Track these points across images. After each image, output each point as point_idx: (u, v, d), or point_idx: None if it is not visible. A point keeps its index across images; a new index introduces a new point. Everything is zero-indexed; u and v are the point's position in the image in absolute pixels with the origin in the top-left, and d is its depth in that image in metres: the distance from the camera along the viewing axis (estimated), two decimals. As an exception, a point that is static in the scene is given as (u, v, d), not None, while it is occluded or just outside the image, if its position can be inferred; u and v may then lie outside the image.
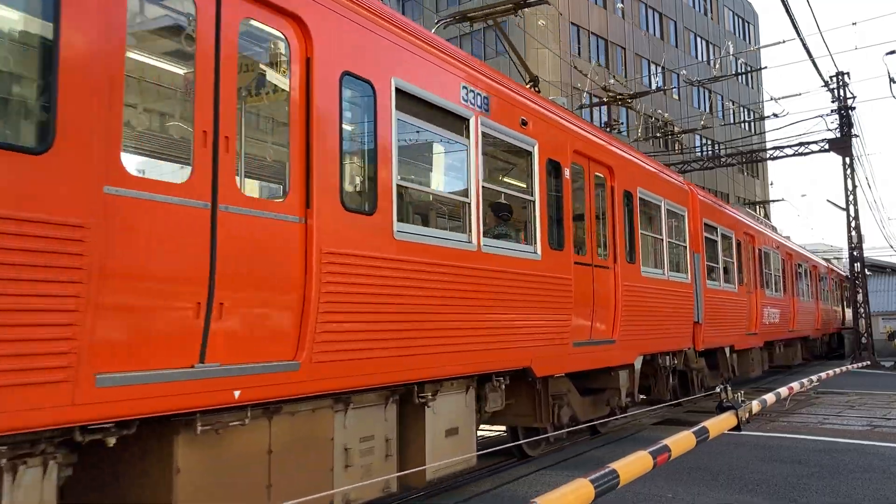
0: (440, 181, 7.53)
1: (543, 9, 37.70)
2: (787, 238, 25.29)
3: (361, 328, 5.31)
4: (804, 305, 24.37)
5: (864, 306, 28.46)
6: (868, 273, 31.44)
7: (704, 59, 50.72)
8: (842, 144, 27.45)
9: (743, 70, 44.30)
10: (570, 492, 4.45)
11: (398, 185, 5.78)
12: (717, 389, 9.92)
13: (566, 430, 8.87)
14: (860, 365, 24.73)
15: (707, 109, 50.44)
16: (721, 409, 9.38)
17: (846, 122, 27.45)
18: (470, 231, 6.70)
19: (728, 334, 15.10)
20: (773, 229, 23.27)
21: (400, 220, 5.89)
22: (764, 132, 40.39)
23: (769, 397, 11.26)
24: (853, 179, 27.86)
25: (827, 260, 34.94)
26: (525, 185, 8.05)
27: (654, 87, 37.48)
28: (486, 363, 6.92)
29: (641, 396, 12.94)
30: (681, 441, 6.57)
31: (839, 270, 36.18)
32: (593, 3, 41.96)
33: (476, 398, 7.26)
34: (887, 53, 26.52)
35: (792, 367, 23.99)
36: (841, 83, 27.73)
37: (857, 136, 27.68)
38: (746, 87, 55.68)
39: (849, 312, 34.71)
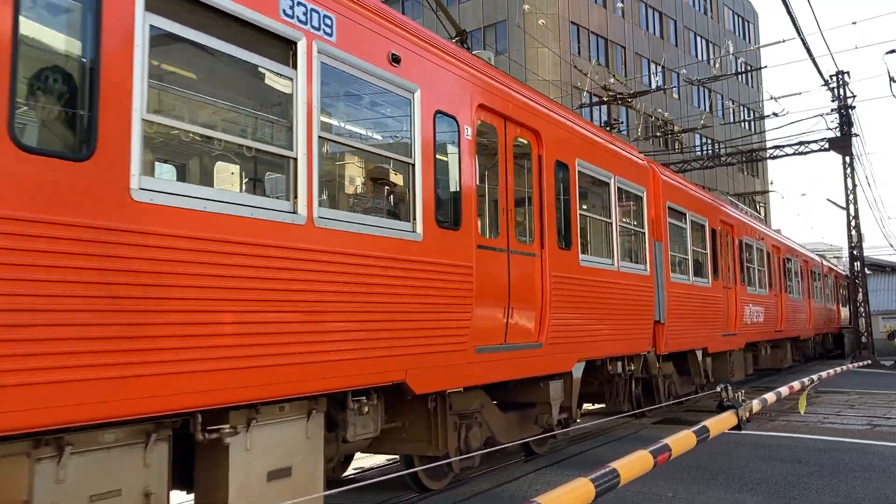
0: (246, 125, 5.34)
1: (544, 8, 37.72)
2: (778, 231, 23.26)
3: (68, 335, 3.43)
4: (794, 303, 22.15)
5: (864, 305, 27.94)
6: (868, 272, 31.02)
7: (704, 58, 49.99)
8: (842, 143, 26.95)
9: (743, 69, 43.76)
10: (571, 490, 4.40)
11: (145, 121, 3.84)
12: (718, 389, 9.84)
13: (477, 454, 6.93)
14: (860, 364, 24.07)
15: (707, 109, 49.68)
16: (721, 408, 9.36)
17: (846, 122, 26.71)
18: (296, 198, 4.74)
19: (699, 335, 13.00)
20: (760, 220, 20.85)
21: (150, 172, 4.11)
22: (764, 131, 39.96)
23: (769, 396, 11.25)
24: (853, 178, 27.15)
25: (822, 255, 32.36)
26: (401, 144, 6.09)
27: (653, 86, 37.20)
28: (333, 379, 5.03)
29: (596, 406, 10.99)
30: (681, 440, 6.47)
31: (834, 267, 34.18)
32: (593, 3, 41.46)
33: (332, 423, 5.55)
34: (887, 52, 26.45)
35: (781, 370, 21.87)
36: (841, 82, 26.90)
37: (857, 135, 26.99)
38: (746, 86, 54.67)
39: (845, 311, 33.36)
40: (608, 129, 26.05)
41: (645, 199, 10.80)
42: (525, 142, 7.74)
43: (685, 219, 12.77)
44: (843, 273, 35.42)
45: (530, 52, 36.57)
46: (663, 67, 38.38)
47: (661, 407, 11.95)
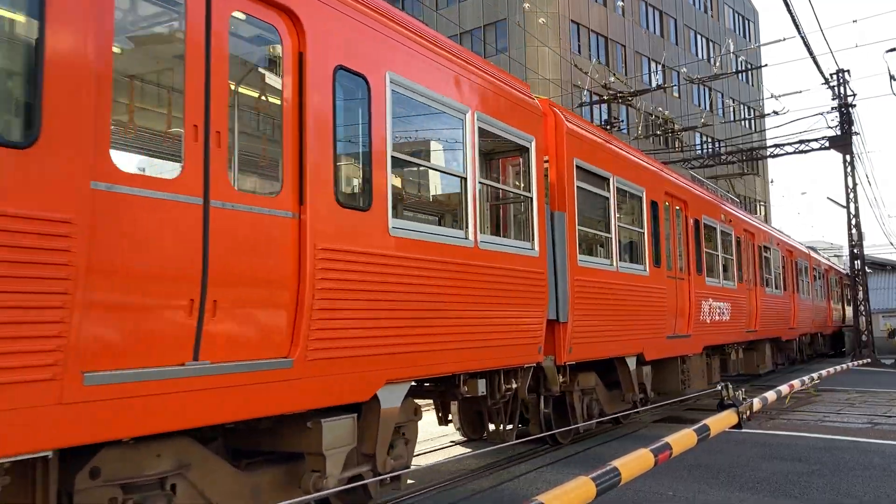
0: None
1: (544, 6, 37.70)
2: (754, 216, 20.92)
3: None
4: (773, 299, 18.94)
5: (864, 304, 27.94)
6: (868, 270, 31.15)
7: (705, 56, 49.99)
8: (842, 142, 26.93)
9: (743, 68, 43.78)
10: (572, 489, 4.39)
11: None
12: (718, 388, 9.80)
13: None
14: (861, 363, 24.04)
15: (707, 107, 49.67)
16: (722, 406, 9.35)
17: (846, 120, 26.66)
18: None
19: (628, 338, 10.01)
20: (735, 203, 18.24)
21: None
22: (764, 130, 39.82)
23: (770, 395, 11.24)
24: (853, 177, 27.09)
25: (812, 248, 29.66)
26: None
27: (654, 84, 37.20)
28: None
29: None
30: (682, 439, 6.43)
31: (829, 262, 33.12)
32: (593, 1, 41.36)
33: None
34: (888, 51, 26.37)
35: (760, 376, 19.03)
36: (841, 80, 26.91)
37: (857, 133, 27.02)
38: (747, 84, 54.59)
39: (838, 309, 32.77)
40: (608, 127, 25.77)
41: (533, 151, 7.84)
42: (265, 26, 4.74)
43: (608, 185, 9.81)
44: (839, 268, 35.15)
45: (530, 51, 36.57)
46: (663, 66, 38.37)
47: (578, 430, 9.56)
